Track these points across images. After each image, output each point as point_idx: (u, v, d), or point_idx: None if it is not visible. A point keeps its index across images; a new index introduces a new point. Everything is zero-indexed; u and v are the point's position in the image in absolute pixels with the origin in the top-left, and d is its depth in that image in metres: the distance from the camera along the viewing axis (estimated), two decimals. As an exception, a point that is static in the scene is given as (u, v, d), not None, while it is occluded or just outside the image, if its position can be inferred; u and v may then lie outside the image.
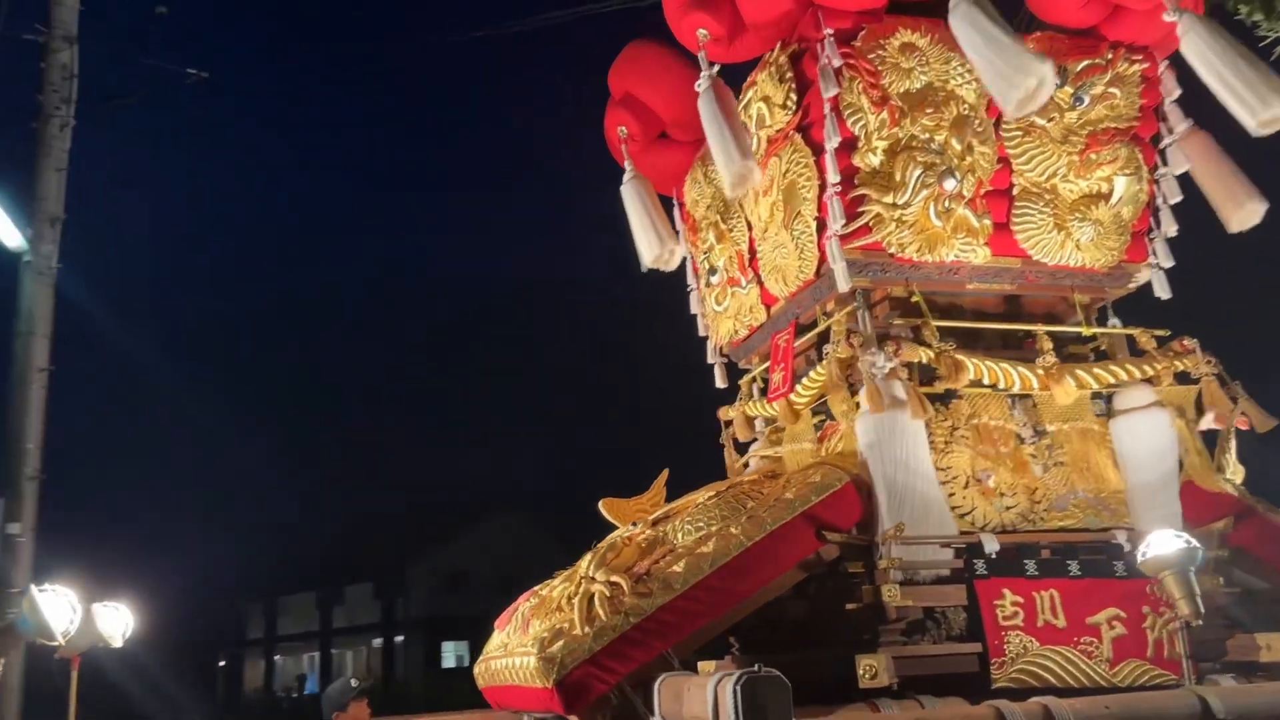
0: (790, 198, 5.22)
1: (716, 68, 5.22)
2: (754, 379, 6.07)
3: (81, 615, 4.87)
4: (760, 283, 5.69)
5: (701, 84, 5.13)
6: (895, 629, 4.40)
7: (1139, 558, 4.04)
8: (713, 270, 6.12)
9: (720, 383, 6.38)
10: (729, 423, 6.10)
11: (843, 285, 4.93)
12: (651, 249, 5.96)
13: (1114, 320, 5.39)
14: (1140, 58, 5.37)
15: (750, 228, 5.69)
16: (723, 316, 6.11)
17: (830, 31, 4.92)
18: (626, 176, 6.08)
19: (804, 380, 5.17)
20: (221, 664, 35.99)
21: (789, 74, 5.17)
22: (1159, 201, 5.40)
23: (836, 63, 4.87)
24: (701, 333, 6.43)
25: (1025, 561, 4.65)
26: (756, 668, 3.39)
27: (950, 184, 4.90)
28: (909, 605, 4.33)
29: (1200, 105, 5.67)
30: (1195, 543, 3.98)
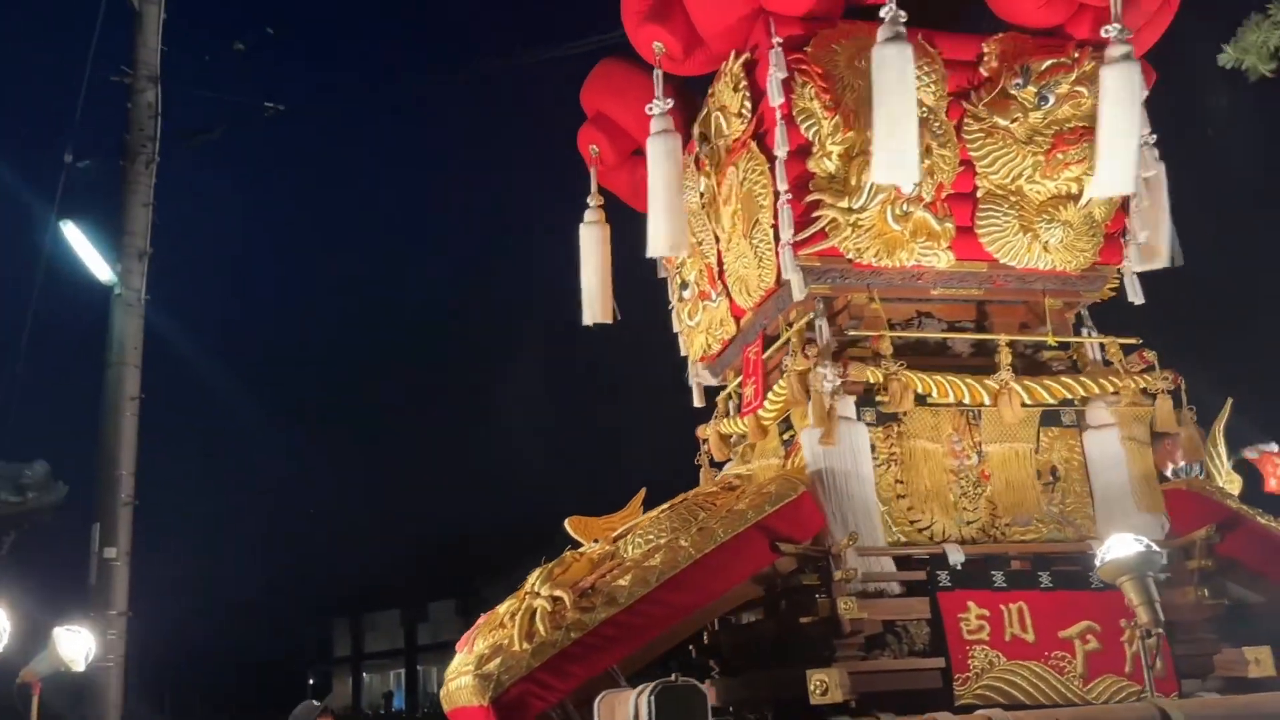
0: (748, 206, 5.15)
1: (670, 103, 5.17)
2: (729, 395, 5.97)
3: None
4: (729, 295, 5.60)
5: (655, 116, 5.09)
6: (852, 644, 4.25)
7: (1097, 563, 3.86)
8: (684, 285, 6.05)
9: (699, 401, 6.28)
10: (706, 441, 6.00)
11: (798, 293, 4.85)
12: (592, 310, 5.82)
13: (1087, 328, 5.22)
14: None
15: (718, 240, 5.62)
16: (695, 331, 6.02)
17: (779, 39, 4.87)
18: (587, 216, 5.99)
19: (769, 394, 5.07)
20: (310, 681, 36.34)
21: (743, 82, 5.12)
22: (1132, 204, 5.24)
23: (782, 73, 4.81)
24: (682, 351, 6.36)
25: (993, 573, 4.48)
26: (673, 677, 3.28)
27: (909, 187, 4.79)
28: (863, 618, 4.17)
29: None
30: (1155, 547, 3.79)
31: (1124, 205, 5.22)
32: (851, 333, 4.87)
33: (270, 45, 11.58)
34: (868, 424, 4.84)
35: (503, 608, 4.40)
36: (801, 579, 4.35)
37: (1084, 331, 5.21)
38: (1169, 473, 5.29)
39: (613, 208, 6.21)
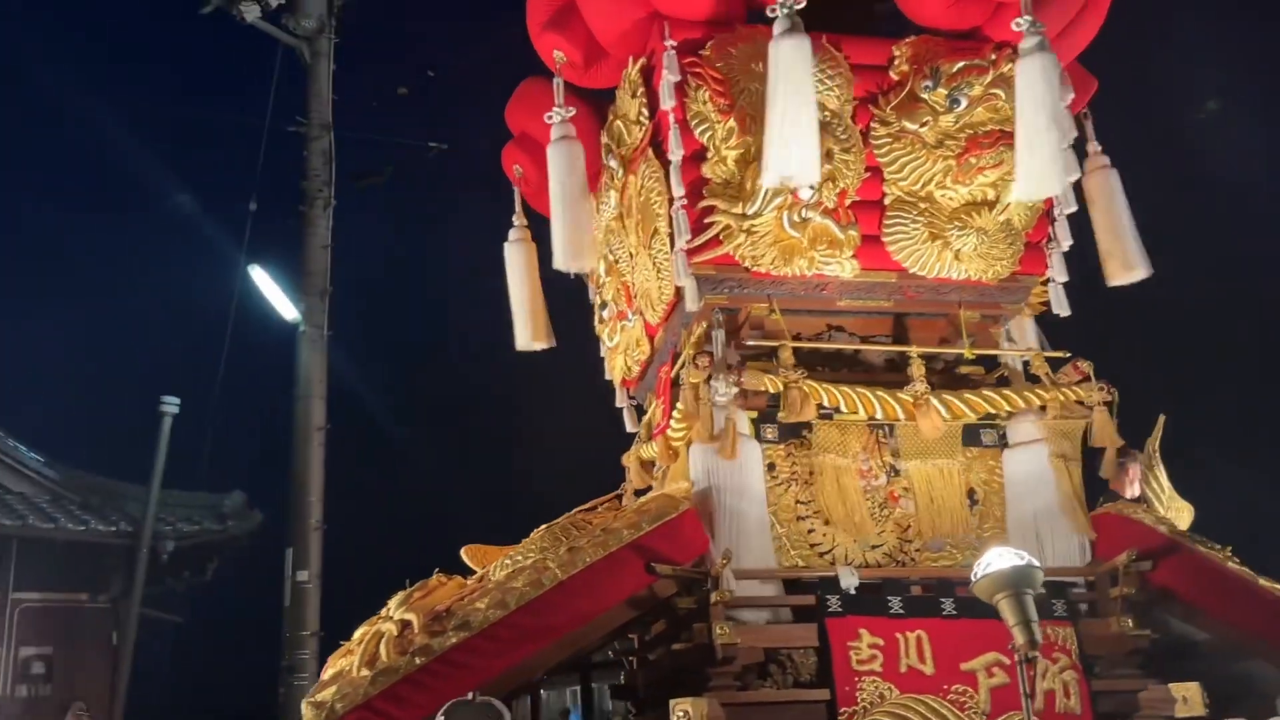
0: (647, 216, 4.94)
1: (572, 111, 5.00)
2: (649, 420, 5.70)
3: None
4: (643, 314, 5.38)
5: (554, 125, 4.92)
6: (728, 672, 3.92)
7: (972, 578, 3.51)
8: (604, 305, 5.83)
9: (631, 426, 6.01)
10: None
11: (691, 303, 4.61)
12: (523, 334, 5.58)
13: (1012, 340, 4.91)
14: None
15: (632, 256, 5.41)
16: (616, 353, 5.78)
17: (673, 43, 4.70)
18: (512, 235, 5.75)
19: (674, 414, 4.81)
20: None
21: (641, 89, 4.95)
22: (1056, 211, 4.96)
23: (675, 76, 4.63)
24: (606, 374, 6.12)
25: (890, 599, 4.15)
26: (470, 696, 3.01)
27: (805, 193, 4.56)
28: (735, 644, 3.85)
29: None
30: (1034, 562, 3.45)
31: (1047, 212, 4.95)
32: (750, 343, 4.62)
33: (433, 87, 12.06)
34: (770, 441, 4.57)
35: (358, 632, 4.14)
36: (678, 603, 4.05)
37: (1008, 344, 4.89)
38: (1128, 494, 5.03)
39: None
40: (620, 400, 6.03)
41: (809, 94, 4.26)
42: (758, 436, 4.58)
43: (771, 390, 4.43)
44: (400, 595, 4.09)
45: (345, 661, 3.87)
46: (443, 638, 3.78)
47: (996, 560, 3.39)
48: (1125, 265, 5.05)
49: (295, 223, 9.66)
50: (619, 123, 5.15)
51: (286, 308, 9.40)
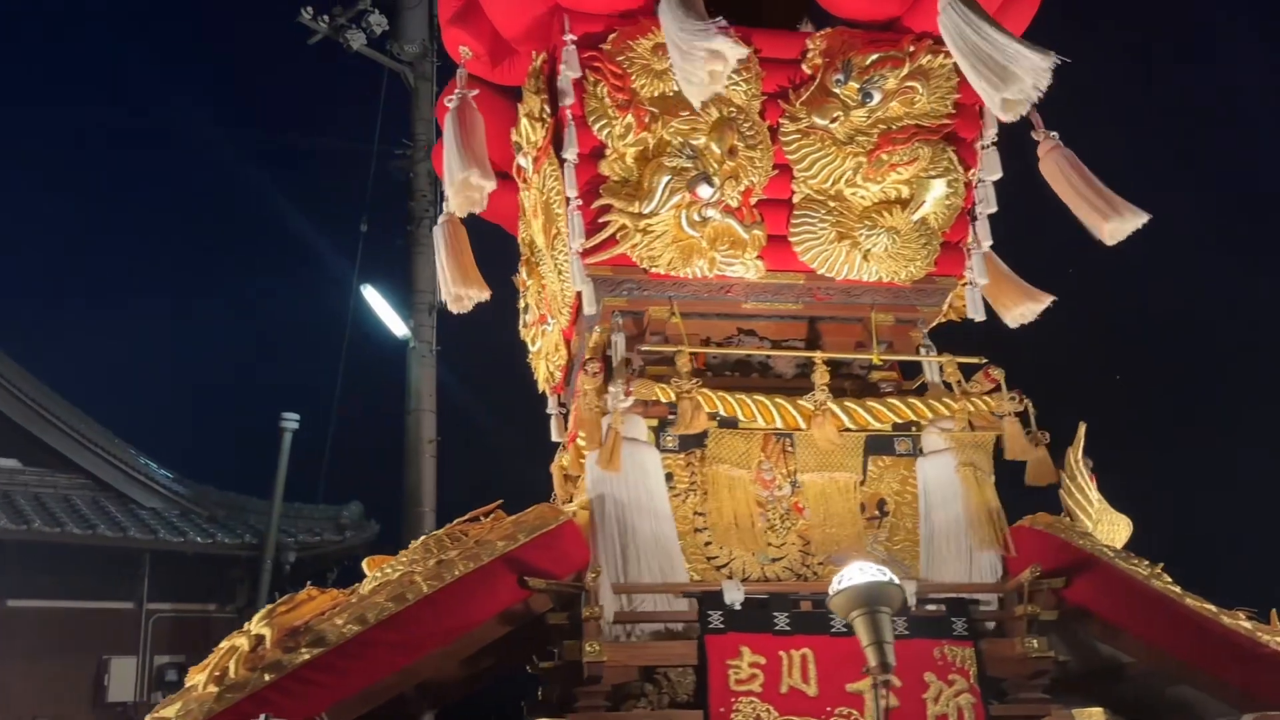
0: (549, 216, 4.79)
1: (475, 91, 4.81)
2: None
3: None
4: (557, 317, 5.21)
5: (452, 101, 4.76)
6: (597, 692, 3.73)
7: (829, 592, 3.30)
8: (526, 308, 5.67)
9: (556, 435, 5.83)
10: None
11: (589, 306, 4.45)
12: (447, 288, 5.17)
13: (926, 345, 4.67)
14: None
15: (543, 259, 5.25)
16: (539, 358, 5.62)
17: (573, 37, 4.53)
18: (440, 218, 5.62)
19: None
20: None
21: (543, 85, 4.78)
22: (977, 210, 4.73)
23: (574, 72, 4.46)
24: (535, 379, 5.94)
25: (775, 615, 3.93)
26: (321, 716, 2.86)
27: (705, 191, 4.38)
28: (601, 662, 3.66)
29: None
30: (895, 579, 3.24)
31: (968, 211, 4.73)
32: (643, 348, 4.43)
33: None
34: (669, 450, 4.39)
35: (224, 644, 4.00)
36: (549, 618, 3.87)
37: (922, 350, 4.67)
38: None
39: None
40: (551, 407, 5.86)
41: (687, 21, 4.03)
42: (658, 445, 4.41)
43: (664, 400, 4.25)
44: (264, 609, 3.94)
45: (198, 675, 3.72)
46: (295, 654, 3.62)
47: (855, 575, 3.18)
48: (1114, 220, 4.59)
49: (404, 242, 10.24)
50: (525, 120, 4.99)
51: (397, 325, 9.75)
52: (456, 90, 4.79)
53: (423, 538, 4.17)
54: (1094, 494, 4.63)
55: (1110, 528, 4.72)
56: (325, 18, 10.39)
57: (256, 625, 3.81)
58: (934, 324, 4.98)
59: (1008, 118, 4.03)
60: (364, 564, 4.88)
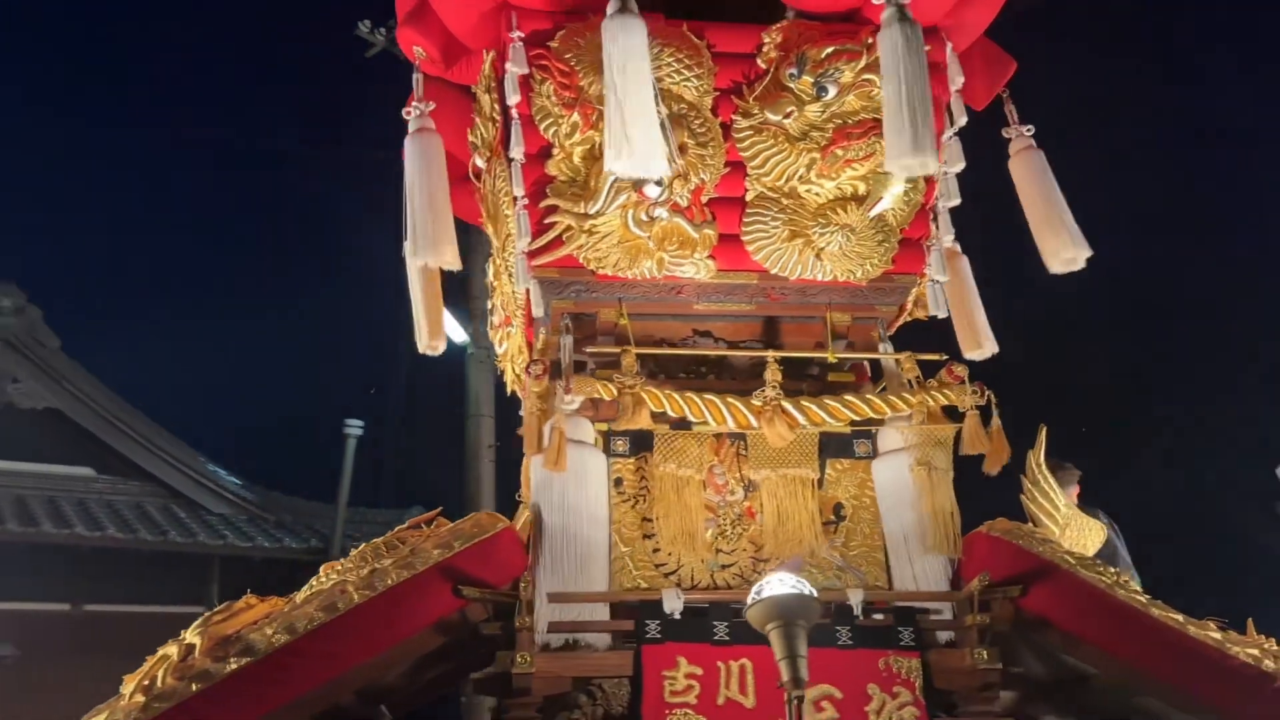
0: (498, 218, 4.73)
1: (431, 105, 4.68)
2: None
3: None
4: (517, 320, 5.15)
5: (411, 119, 4.65)
6: (528, 704, 3.67)
7: (748, 602, 3.20)
8: (493, 310, 5.61)
9: None
10: None
11: (536, 308, 4.39)
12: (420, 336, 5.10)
13: (885, 344, 4.54)
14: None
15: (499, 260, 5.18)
16: (505, 360, 5.57)
17: (520, 34, 4.46)
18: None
19: None
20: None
21: (494, 84, 4.71)
22: (939, 204, 4.59)
23: (521, 69, 4.38)
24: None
25: (715, 624, 3.83)
26: None
27: (652, 190, 4.29)
28: (530, 673, 3.59)
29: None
30: (811, 591, 3.13)
31: (928, 206, 4.59)
32: (591, 350, 4.36)
33: None
34: (620, 454, 4.31)
35: (159, 652, 3.98)
36: (483, 628, 3.81)
37: (881, 349, 4.54)
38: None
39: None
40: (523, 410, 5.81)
41: (645, 77, 3.95)
42: (608, 449, 4.34)
43: (605, 396, 4.17)
44: (201, 618, 3.92)
45: (129, 684, 3.71)
46: (223, 663, 3.59)
47: (773, 586, 3.09)
48: (1060, 249, 4.59)
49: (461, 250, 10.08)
50: (479, 120, 4.93)
51: (456, 331, 9.68)
52: (415, 103, 4.69)
53: (363, 545, 4.12)
54: (1062, 499, 4.47)
55: (1081, 534, 4.56)
56: (382, 30, 10.21)
57: (190, 633, 3.78)
58: (899, 322, 4.88)
59: (900, 174, 3.95)
60: (323, 571, 4.88)
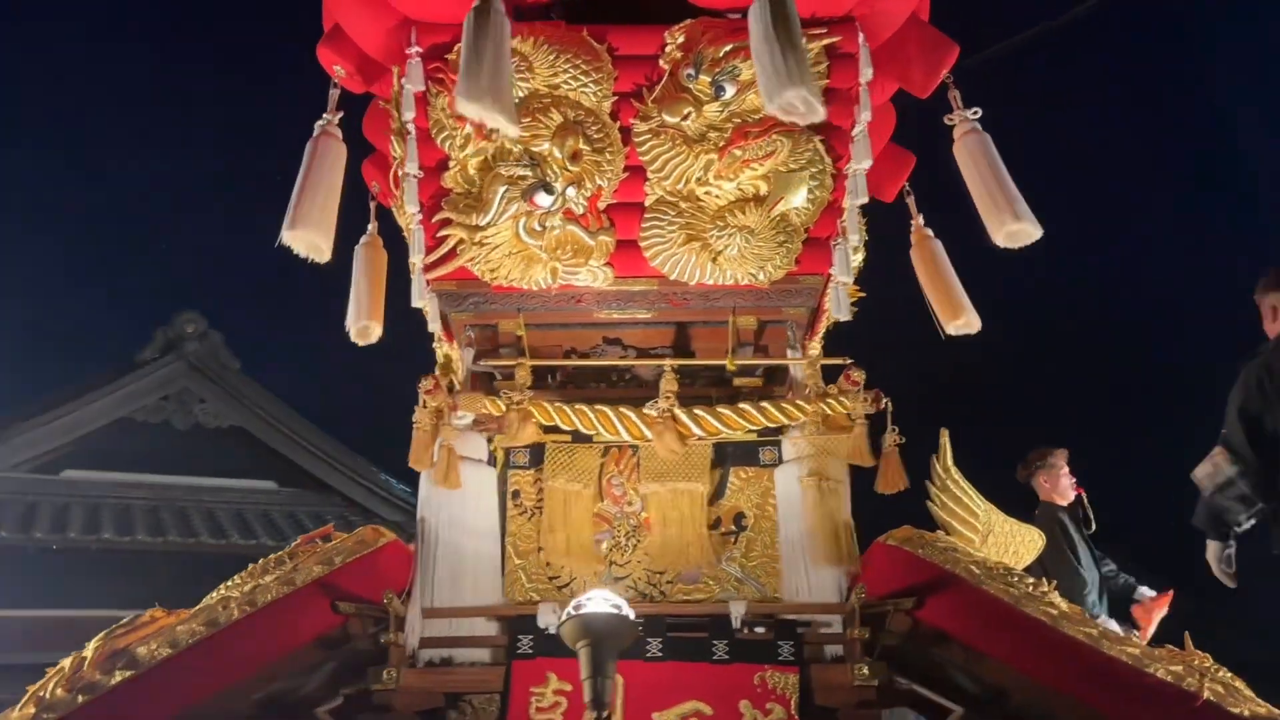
0: (408, 233, 4.74)
1: (340, 115, 4.67)
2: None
3: None
4: None
5: (319, 126, 4.72)
6: (400, 718, 3.69)
7: (563, 617, 3.14)
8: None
9: None
10: None
11: (432, 322, 4.41)
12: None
13: (793, 348, 4.41)
14: (825, 31, 4.49)
15: None
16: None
17: (418, 49, 4.48)
18: (363, 239, 5.22)
19: None
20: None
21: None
22: (846, 202, 4.42)
23: (417, 86, 4.40)
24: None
25: (589, 639, 3.78)
26: None
27: (544, 199, 4.26)
28: (391, 689, 3.62)
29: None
30: (629, 613, 3.06)
31: (834, 204, 4.43)
32: (488, 363, 4.35)
33: None
34: (520, 466, 4.31)
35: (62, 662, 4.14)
36: (358, 644, 3.85)
37: (790, 353, 4.40)
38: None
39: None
40: None
41: (500, 44, 3.80)
42: (508, 462, 4.34)
43: (494, 412, 4.17)
44: (105, 631, 4.06)
45: (28, 694, 3.87)
46: (109, 676, 3.72)
47: (589, 604, 3.05)
48: (1008, 225, 4.28)
49: None
50: (393, 137, 4.96)
51: None
52: (325, 115, 4.76)
53: (262, 560, 4.21)
54: (983, 505, 4.27)
55: (1010, 540, 4.34)
56: None
57: (91, 646, 3.93)
58: (821, 324, 4.73)
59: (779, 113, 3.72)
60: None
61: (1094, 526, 5.74)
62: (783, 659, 3.75)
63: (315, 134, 4.61)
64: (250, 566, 4.17)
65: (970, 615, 3.85)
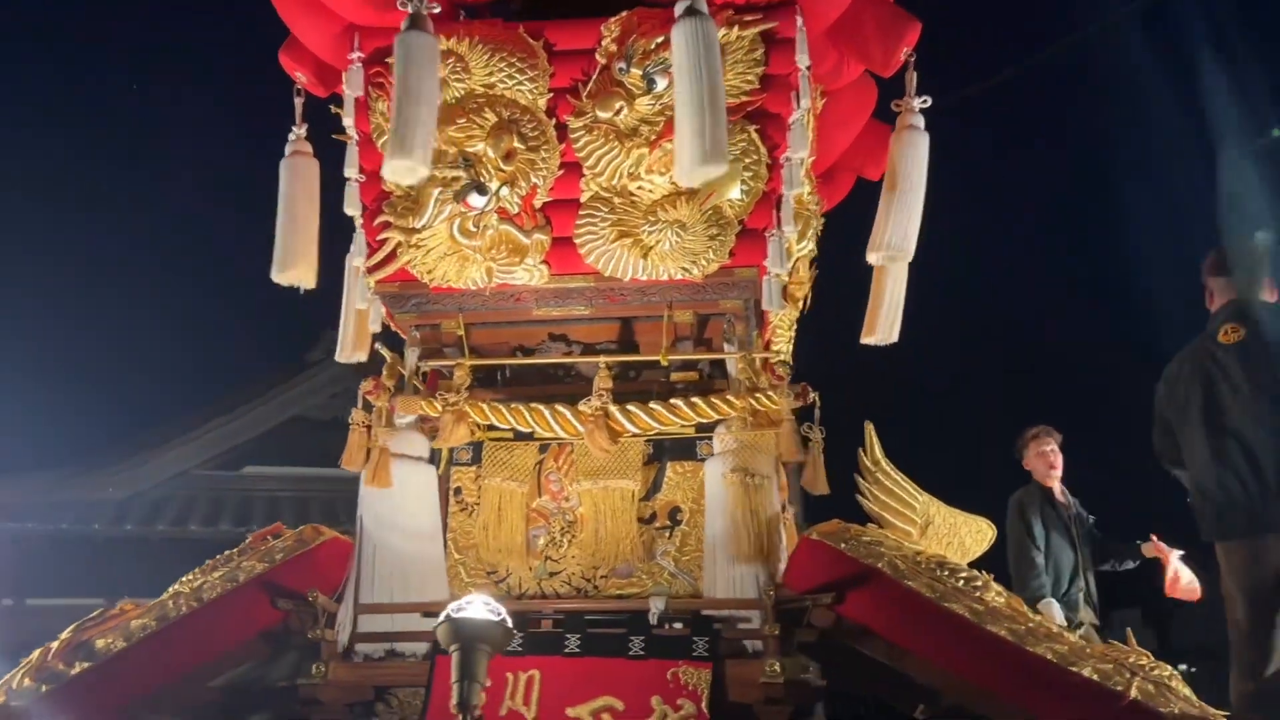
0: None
1: (305, 128, 4.76)
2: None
3: None
4: None
5: (289, 143, 4.84)
6: (329, 712, 3.85)
7: (440, 618, 3.22)
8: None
9: None
10: None
11: (373, 324, 4.51)
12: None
13: (729, 341, 4.37)
14: (760, 17, 4.42)
15: None
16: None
17: (360, 55, 4.57)
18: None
19: None
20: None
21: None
22: (784, 191, 4.35)
23: (357, 91, 4.50)
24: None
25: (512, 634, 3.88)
26: None
27: (477, 200, 4.32)
28: (316, 684, 3.78)
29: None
30: (505, 619, 3.13)
31: (769, 194, 4.36)
32: (430, 363, 4.45)
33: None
34: (463, 464, 4.42)
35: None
36: (294, 640, 4.02)
37: (728, 347, 4.38)
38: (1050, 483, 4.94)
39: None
40: None
41: (430, 90, 3.95)
42: (451, 459, 4.44)
43: (430, 413, 4.27)
44: (78, 622, 4.33)
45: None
46: (70, 666, 3.98)
47: (467, 609, 3.13)
48: (887, 244, 4.41)
49: None
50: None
51: None
52: (294, 128, 4.85)
53: (214, 557, 4.41)
54: (921, 497, 4.20)
55: (952, 532, 4.27)
56: None
57: (61, 636, 4.20)
58: (769, 319, 4.70)
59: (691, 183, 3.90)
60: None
61: (1071, 513, 5.54)
62: (697, 655, 3.77)
63: (287, 152, 4.75)
64: (210, 561, 4.38)
65: (892, 611, 3.81)
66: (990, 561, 4.39)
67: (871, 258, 4.46)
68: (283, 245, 4.59)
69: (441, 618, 3.16)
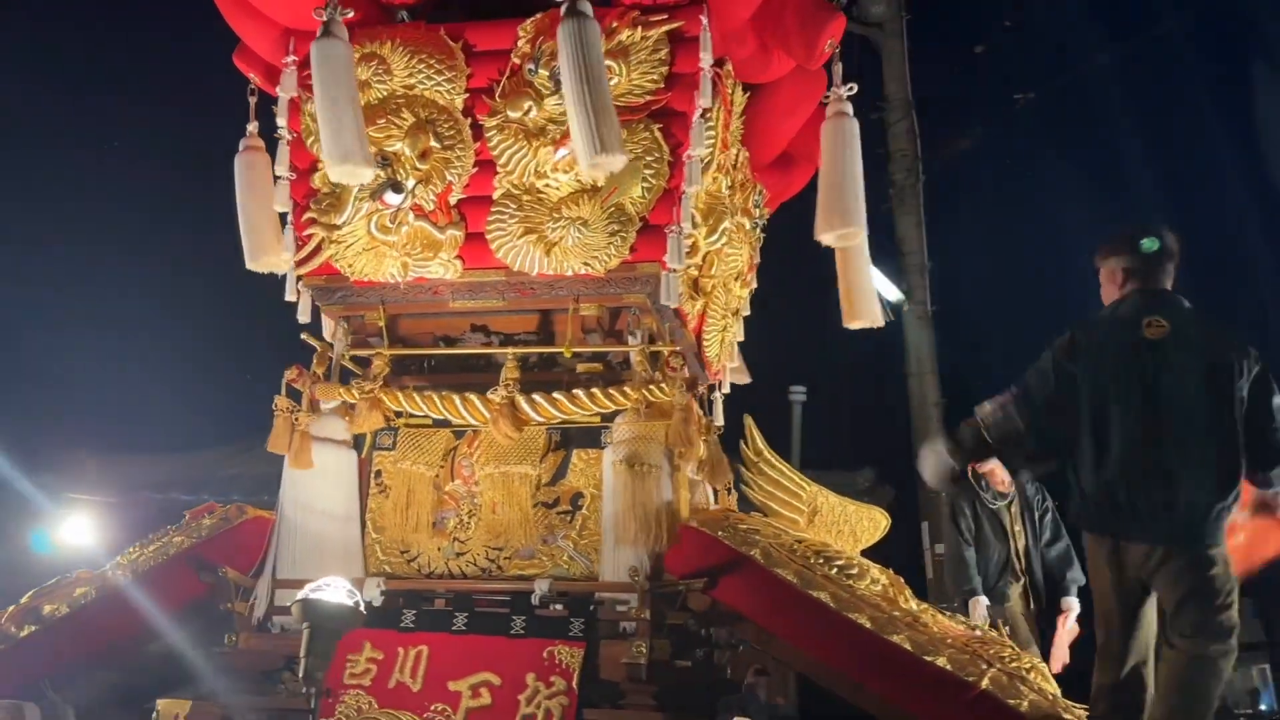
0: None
1: (256, 125, 5.01)
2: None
3: None
4: None
5: (243, 140, 5.10)
6: (245, 678, 4.17)
7: (296, 597, 3.48)
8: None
9: None
10: None
11: (301, 314, 4.78)
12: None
13: (632, 333, 4.52)
14: (665, 17, 4.52)
15: None
16: None
17: (294, 57, 4.80)
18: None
19: None
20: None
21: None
22: (685, 187, 4.45)
23: (289, 92, 4.74)
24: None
25: (405, 611, 4.15)
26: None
27: (393, 198, 4.53)
28: (227, 650, 4.09)
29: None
30: (358, 602, 3.36)
31: (671, 191, 4.47)
32: (354, 352, 4.71)
33: (1010, 39, 11.39)
34: (385, 448, 4.67)
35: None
36: (220, 610, 4.35)
37: (630, 340, 4.52)
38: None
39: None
40: None
41: (349, 94, 4.18)
42: (375, 444, 4.70)
43: (348, 400, 4.53)
44: (39, 587, 4.73)
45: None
46: (21, 629, 4.38)
47: (324, 591, 3.39)
48: (835, 222, 4.51)
49: (887, 206, 9.84)
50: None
51: (889, 289, 9.43)
52: (248, 125, 5.11)
53: (155, 531, 4.76)
54: (808, 486, 4.31)
55: (843, 520, 4.38)
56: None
57: (21, 601, 4.61)
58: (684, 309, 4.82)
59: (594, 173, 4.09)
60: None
61: (1007, 500, 5.49)
62: (573, 635, 3.98)
63: (241, 148, 5.03)
64: (149, 536, 4.74)
65: (761, 596, 3.96)
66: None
67: (824, 239, 4.51)
68: (248, 238, 4.87)
69: (298, 597, 3.42)
